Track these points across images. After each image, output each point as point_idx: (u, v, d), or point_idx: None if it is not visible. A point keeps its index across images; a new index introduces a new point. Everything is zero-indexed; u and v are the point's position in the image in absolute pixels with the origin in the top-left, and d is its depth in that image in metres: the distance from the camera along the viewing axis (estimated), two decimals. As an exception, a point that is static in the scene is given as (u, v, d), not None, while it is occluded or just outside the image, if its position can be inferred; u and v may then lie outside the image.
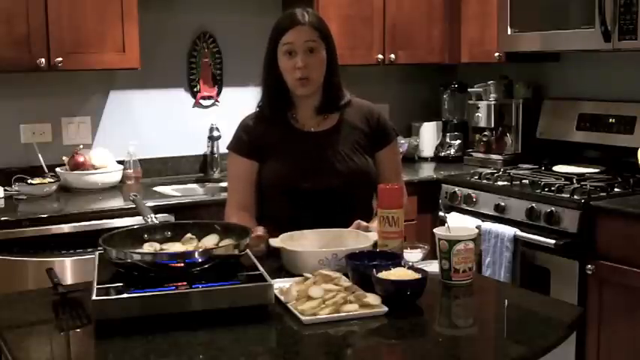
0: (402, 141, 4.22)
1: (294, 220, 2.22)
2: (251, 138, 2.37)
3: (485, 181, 3.48)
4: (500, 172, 3.54)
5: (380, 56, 3.89)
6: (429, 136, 4.27)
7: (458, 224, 3.01)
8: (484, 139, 3.99)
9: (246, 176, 2.36)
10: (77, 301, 1.84)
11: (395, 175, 2.43)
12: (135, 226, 2.10)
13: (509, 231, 3.19)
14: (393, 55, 3.92)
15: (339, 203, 2.30)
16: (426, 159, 4.24)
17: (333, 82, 2.36)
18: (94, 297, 1.66)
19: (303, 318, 1.67)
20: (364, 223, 2.20)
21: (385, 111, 4.34)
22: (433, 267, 1.99)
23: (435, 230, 2.01)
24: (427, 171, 3.93)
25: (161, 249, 1.92)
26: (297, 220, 2.21)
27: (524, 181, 3.38)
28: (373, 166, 2.39)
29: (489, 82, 3.98)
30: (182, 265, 1.75)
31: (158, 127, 3.77)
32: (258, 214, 2.37)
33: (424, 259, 2.06)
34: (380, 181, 2.36)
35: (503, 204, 3.30)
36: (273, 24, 2.36)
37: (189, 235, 1.96)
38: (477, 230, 2.05)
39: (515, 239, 3.17)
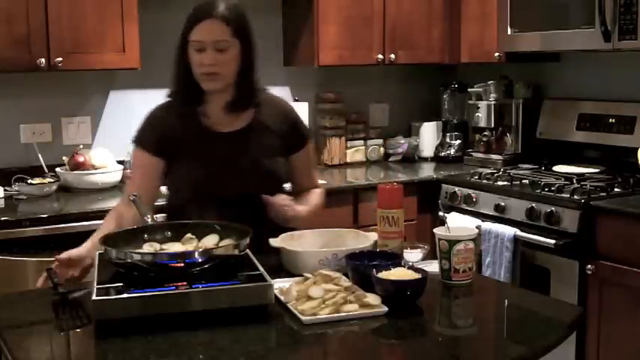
0: (402, 141, 4.23)
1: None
2: (159, 133, 2.27)
3: (485, 181, 3.48)
4: (500, 172, 3.54)
5: (380, 56, 3.89)
6: (429, 136, 4.27)
7: (458, 224, 3.02)
8: (484, 139, 3.99)
9: (147, 172, 2.27)
10: (77, 301, 1.84)
11: (308, 177, 2.41)
12: (135, 226, 2.10)
13: (509, 231, 3.19)
14: (393, 55, 3.92)
15: (249, 208, 2.18)
16: (426, 159, 4.24)
17: (247, 80, 2.24)
18: (94, 297, 1.66)
19: (303, 318, 1.67)
20: (286, 199, 2.18)
21: (385, 111, 4.38)
22: (433, 267, 1.99)
23: (435, 230, 2.01)
24: (427, 171, 3.93)
25: (161, 249, 1.92)
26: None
27: (524, 181, 3.38)
28: (284, 168, 2.32)
29: (489, 82, 3.98)
30: (182, 265, 1.75)
31: (158, 127, 3.76)
32: (155, 208, 2.27)
33: (424, 259, 2.06)
34: (293, 182, 2.38)
35: (503, 204, 3.30)
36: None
37: (189, 235, 1.96)
38: (476, 230, 2.05)
39: (515, 239, 3.17)
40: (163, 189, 2.37)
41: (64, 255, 2.02)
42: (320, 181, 2.50)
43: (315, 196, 2.42)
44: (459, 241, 1.94)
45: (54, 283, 1.90)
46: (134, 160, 2.35)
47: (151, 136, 2.28)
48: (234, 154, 2.25)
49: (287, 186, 2.40)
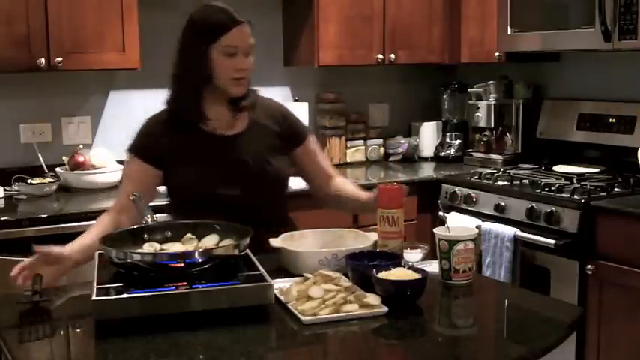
0: (402, 141, 4.23)
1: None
2: (157, 145, 2.24)
3: (485, 181, 3.48)
4: (500, 172, 3.54)
5: (380, 56, 3.89)
6: (429, 136, 4.27)
7: (458, 224, 3.02)
8: (484, 139, 3.99)
9: (143, 182, 2.22)
10: (47, 309, 1.83)
11: (319, 169, 2.42)
12: (135, 226, 2.10)
13: (509, 231, 3.19)
14: (393, 55, 3.92)
15: (257, 208, 2.21)
16: (426, 159, 4.24)
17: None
18: (94, 297, 1.66)
19: (303, 318, 1.67)
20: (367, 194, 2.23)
21: (385, 111, 4.38)
22: (433, 267, 1.99)
23: (435, 230, 2.01)
24: (427, 171, 3.93)
25: (161, 249, 1.92)
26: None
27: (524, 181, 3.38)
28: (287, 165, 2.35)
29: (489, 82, 3.98)
30: (182, 265, 1.75)
31: (158, 127, 3.76)
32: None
33: (424, 259, 2.06)
34: (308, 178, 2.40)
35: (503, 204, 3.30)
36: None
37: (189, 235, 1.96)
38: (476, 230, 2.05)
39: (515, 239, 3.17)
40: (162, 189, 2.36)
41: (46, 249, 1.96)
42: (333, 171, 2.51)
43: (350, 184, 2.47)
44: (459, 241, 1.94)
45: (35, 290, 1.88)
46: (128, 170, 2.29)
47: (150, 145, 2.26)
48: (242, 156, 2.26)
49: (297, 183, 2.44)
